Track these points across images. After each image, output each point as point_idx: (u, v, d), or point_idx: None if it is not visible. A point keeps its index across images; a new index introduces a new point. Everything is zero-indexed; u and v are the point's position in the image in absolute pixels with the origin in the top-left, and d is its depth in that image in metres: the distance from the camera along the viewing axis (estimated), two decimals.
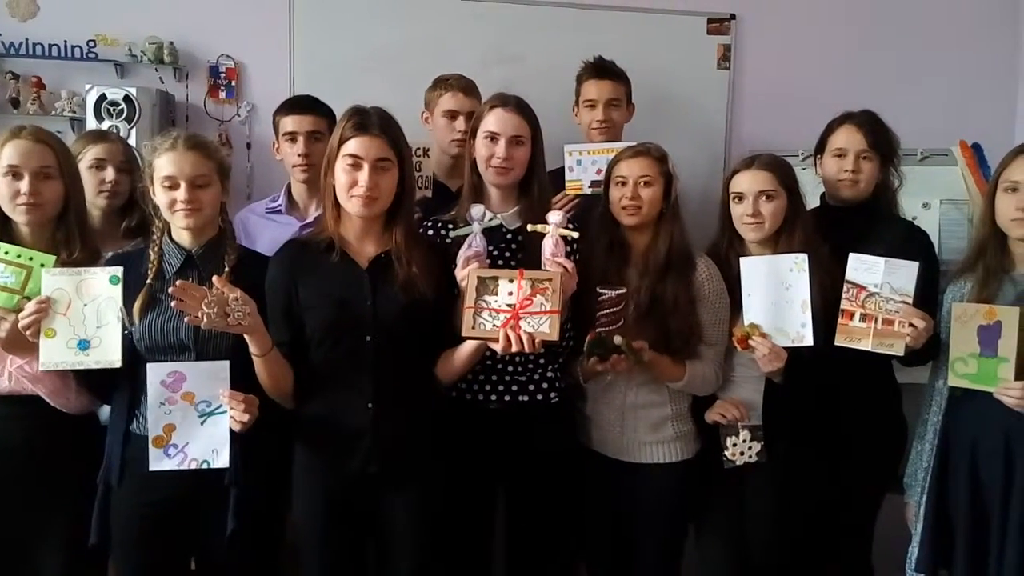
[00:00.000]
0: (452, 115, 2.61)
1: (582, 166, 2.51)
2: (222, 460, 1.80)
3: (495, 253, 2.06)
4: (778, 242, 2.15)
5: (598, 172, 2.42)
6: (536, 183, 2.12)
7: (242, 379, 1.81)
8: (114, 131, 2.67)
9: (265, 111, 2.91)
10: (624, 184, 2.12)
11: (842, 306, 2.03)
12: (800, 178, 2.23)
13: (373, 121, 1.89)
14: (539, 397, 2.08)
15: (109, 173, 2.32)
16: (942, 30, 3.33)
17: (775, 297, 2.05)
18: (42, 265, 1.85)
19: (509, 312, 1.87)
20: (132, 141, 2.70)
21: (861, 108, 2.39)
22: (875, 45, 3.30)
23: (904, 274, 2.00)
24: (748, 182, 2.16)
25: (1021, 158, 1.99)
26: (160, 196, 1.88)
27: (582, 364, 2.07)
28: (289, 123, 2.54)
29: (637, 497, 2.17)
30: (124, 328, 1.85)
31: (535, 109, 2.12)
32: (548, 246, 1.94)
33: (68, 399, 1.95)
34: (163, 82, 3.04)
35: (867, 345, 2.00)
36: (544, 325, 1.86)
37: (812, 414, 2.14)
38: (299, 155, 2.52)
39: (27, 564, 1.97)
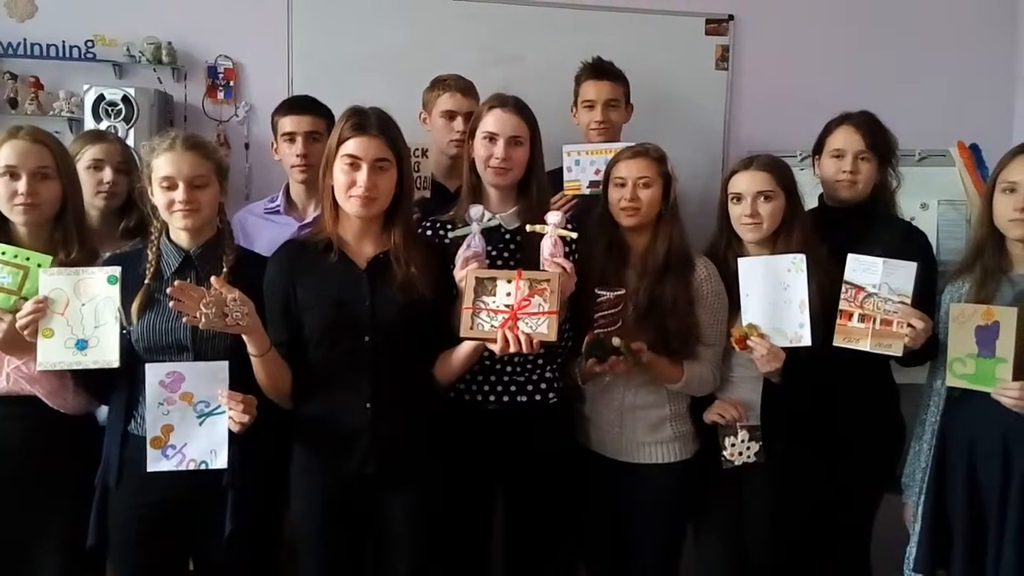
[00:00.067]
0: (450, 115, 2.61)
1: (580, 166, 2.51)
2: (220, 461, 1.80)
3: (494, 253, 2.06)
4: (776, 242, 2.15)
5: (596, 172, 2.42)
6: (535, 183, 2.13)
7: (240, 379, 1.81)
8: (112, 131, 2.67)
9: (263, 111, 2.91)
10: (623, 185, 2.12)
11: (840, 306, 2.04)
12: (798, 179, 2.23)
13: (372, 121, 1.89)
14: (537, 398, 2.08)
15: (107, 174, 2.32)
16: (940, 31, 3.33)
17: (773, 297, 2.05)
18: (39, 265, 1.85)
19: (507, 313, 1.87)
20: (130, 141, 2.70)
21: (859, 109, 2.39)
22: (873, 46, 3.30)
23: (902, 275, 2.00)
24: (746, 183, 2.16)
25: (1019, 159, 2.00)
26: (158, 196, 1.88)
27: (580, 365, 2.07)
28: (287, 123, 2.54)
29: (636, 497, 2.18)
30: (122, 328, 1.84)
31: (533, 109, 2.13)
32: (547, 246, 1.94)
33: (66, 399, 1.95)
34: (161, 82, 3.03)
35: (865, 346, 2.01)
36: (542, 326, 1.86)
37: (810, 414, 2.14)
38: (297, 155, 2.52)
39: (25, 565, 1.97)
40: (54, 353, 1.82)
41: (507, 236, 2.11)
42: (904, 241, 2.26)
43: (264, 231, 2.52)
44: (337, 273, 1.92)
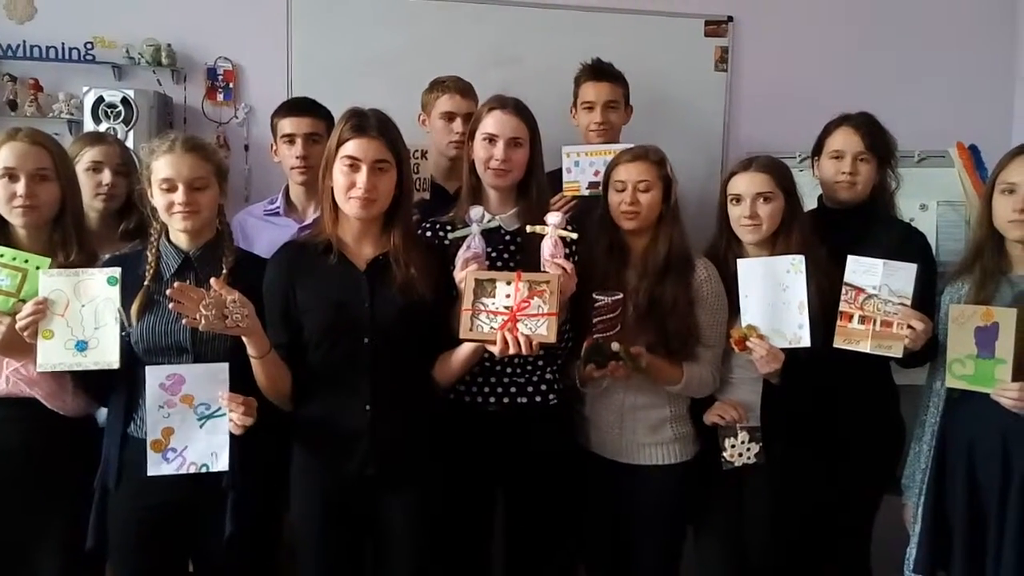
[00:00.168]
0: (449, 117, 2.62)
1: (580, 168, 2.51)
2: (221, 463, 1.80)
3: (493, 255, 2.06)
4: (775, 244, 2.15)
5: (596, 174, 2.42)
6: (534, 185, 2.13)
7: (240, 381, 1.81)
8: (111, 133, 2.67)
9: (263, 113, 2.91)
10: (623, 189, 2.12)
11: (841, 308, 2.04)
12: (797, 180, 2.24)
13: (371, 123, 1.89)
14: (537, 399, 2.08)
15: (106, 176, 2.31)
16: (938, 33, 3.33)
17: (772, 298, 2.05)
18: (38, 268, 1.85)
19: (506, 314, 1.87)
20: (130, 143, 2.70)
21: (858, 110, 2.39)
22: (872, 47, 3.31)
23: (902, 276, 2.00)
24: (746, 184, 2.16)
25: (1018, 160, 2.00)
26: (158, 198, 1.88)
27: (580, 370, 2.07)
28: (287, 125, 2.54)
29: (636, 499, 2.17)
30: (122, 329, 1.84)
31: (533, 111, 2.13)
32: (547, 247, 1.94)
33: (65, 401, 1.95)
34: (161, 84, 3.03)
35: (866, 347, 2.01)
36: (542, 327, 1.86)
37: (810, 415, 2.15)
38: (297, 157, 2.52)
39: (25, 567, 1.96)
40: (54, 354, 1.82)
41: (507, 237, 2.11)
42: (903, 242, 2.26)
43: (264, 233, 2.52)
44: (336, 275, 1.92)
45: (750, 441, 2.11)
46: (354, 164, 1.87)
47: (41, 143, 1.94)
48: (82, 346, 1.82)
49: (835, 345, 2.03)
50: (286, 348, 1.89)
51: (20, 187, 1.89)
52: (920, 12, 3.33)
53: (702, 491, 2.21)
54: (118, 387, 1.91)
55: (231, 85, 3.09)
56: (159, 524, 1.88)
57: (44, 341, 1.82)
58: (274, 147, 2.62)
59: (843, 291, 2.03)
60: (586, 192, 2.48)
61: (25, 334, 1.81)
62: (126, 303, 1.85)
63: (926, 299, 2.07)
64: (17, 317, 1.81)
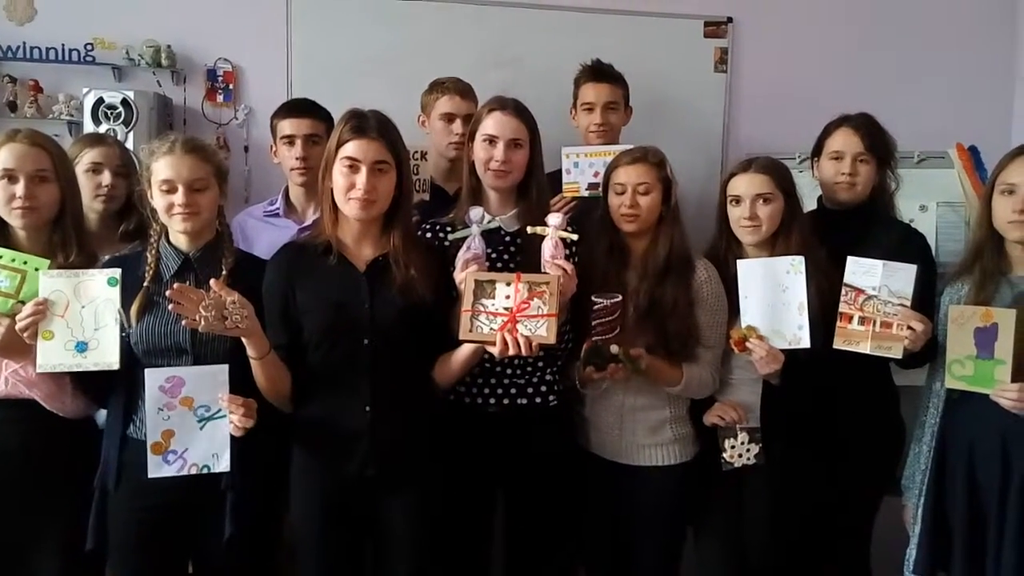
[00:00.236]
0: (449, 118, 2.62)
1: (579, 168, 2.51)
2: (222, 464, 1.80)
3: (493, 256, 2.06)
4: (775, 245, 2.15)
5: (595, 175, 2.42)
6: (535, 186, 2.13)
7: (240, 382, 1.81)
8: (111, 135, 2.68)
9: (263, 114, 2.91)
10: (622, 192, 2.12)
11: (840, 309, 2.04)
12: (797, 181, 2.24)
13: (371, 124, 1.89)
14: (537, 400, 2.08)
15: (106, 177, 2.31)
16: (938, 34, 3.34)
17: (772, 299, 2.05)
18: (36, 269, 1.85)
19: (506, 315, 1.87)
20: (130, 145, 2.70)
21: (858, 111, 2.39)
22: (871, 48, 3.31)
23: (902, 277, 2.00)
24: (745, 185, 2.16)
25: (1017, 161, 2.00)
26: (157, 200, 1.88)
27: (579, 372, 2.07)
28: (287, 126, 2.54)
29: (636, 500, 2.17)
30: (122, 330, 1.84)
31: (532, 112, 2.13)
32: (548, 248, 1.94)
33: (64, 403, 1.95)
34: (160, 85, 3.03)
35: (866, 348, 2.01)
36: (541, 328, 1.86)
37: (809, 416, 2.15)
38: (297, 158, 2.52)
39: (24, 568, 1.96)
40: (54, 355, 1.82)
41: (507, 238, 2.11)
42: (903, 243, 2.27)
43: (263, 234, 2.52)
44: (336, 276, 1.92)
45: (750, 442, 2.11)
46: (354, 165, 1.87)
47: (40, 144, 1.94)
48: (82, 347, 1.82)
49: (835, 346, 2.03)
50: (286, 349, 1.89)
51: (19, 188, 1.89)
52: (919, 13, 3.33)
53: (702, 492, 2.21)
54: (117, 389, 1.91)
55: (231, 86, 3.10)
56: (158, 525, 1.88)
57: (44, 342, 1.82)
58: (274, 148, 2.62)
59: (843, 292, 2.03)
60: (586, 193, 2.48)
61: (25, 335, 1.81)
62: (126, 304, 1.85)
63: (926, 300, 2.07)
64: (17, 318, 1.81)
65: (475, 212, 2.02)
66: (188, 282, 1.84)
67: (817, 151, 2.44)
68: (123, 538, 1.89)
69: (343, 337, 1.90)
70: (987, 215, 2.04)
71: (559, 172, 2.51)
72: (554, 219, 1.96)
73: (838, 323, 2.03)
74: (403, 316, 1.90)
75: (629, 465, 2.16)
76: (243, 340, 1.78)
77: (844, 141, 2.34)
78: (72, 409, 1.96)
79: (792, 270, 2.04)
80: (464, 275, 1.91)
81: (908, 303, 1.99)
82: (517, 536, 2.16)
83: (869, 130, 2.34)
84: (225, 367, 1.79)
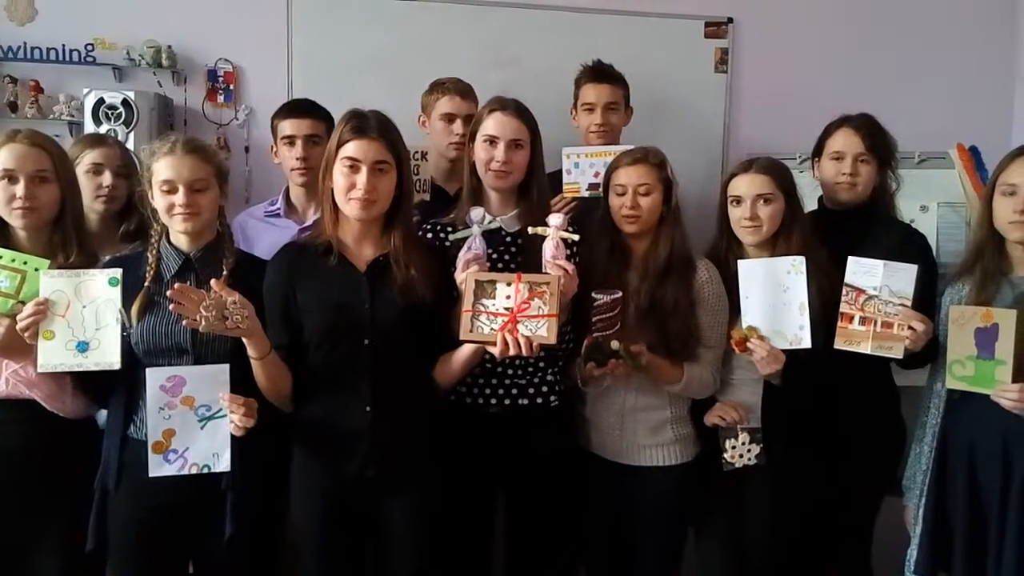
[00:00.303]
0: (449, 118, 2.62)
1: (580, 169, 2.51)
2: (223, 464, 1.80)
3: (494, 256, 2.06)
4: (776, 245, 2.15)
5: (596, 175, 2.42)
6: (535, 186, 2.13)
7: (241, 383, 1.80)
8: (112, 135, 2.68)
9: (263, 115, 2.91)
10: (623, 193, 2.12)
11: (841, 309, 2.03)
12: (798, 181, 2.24)
13: (371, 124, 1.89)
14: (539, 400, 2.08)
15: (107, 177, 2.31)
16: (938, 34, 3.34)
17: (773, 300, 2.05)
18: (36, 269, 1.85)
19: (507, 315, 1.87)
20: (130, 145, 2.70)
21: (858, 111, 2.39)
22: (872, 48, 3.31)
23: (903, 277, 2.00)
24: (746, 185, 2.16)
25: (1018, 161, 2.00)
26: (158, 200, 1.88)
27: (580, 369, 2.07)
28: (287, 127, 2.54)
29: (636, 500, 2.17)
30: (123, 330, 1.84)
31: (533, 112, 2.13)
32: (549, 248, 1.94)
33: (64, 403, 1.94)
34: (161, 86, 3.03)
35: (866, 348, 2.01)
36: (542, 329, 1.85)
37: (810, 416, 2.14)
38: (297, 159, 2.52)
39: (24, 568, 1.96)
40: (55, 355, 1.82)
41: (508, 239, 2.11)
42: (904, 243, 2.27)
43: (264, 234, 2.52)
44: (337, 276, 1.92)
45: (751, 442, 2.11)
46: (354, 165, 1.87)
47: (41, 145, 1.94)
48: (83, 347, 1.82)
49: (836, 346, 2.03)
50: (286, 349, 1.89)
51: (20, 189, 1.89)
52: (920, 13, 3.33)
53: (703, 492, 2.21)
54: (118, 389, 1.91)
55: (231, 87, 3.10)
56: (159, 525, 1.88)
57: (45, 342, 1.82)
58: (274, 149, 2.62)
59: (844, 292, 2.03)
60: (586, 193, 2.48)
61: (26, 335, 1.81)
62: (126, 304, 1.85)
63: (927, 300, 2.07)
64: (18, 318, 1.80)
65: (476, 212, 2.02)
66: (189, 282, 1.84)
67: (818, 151, 2.44)
68: (123, 538, 1.89)
69: (344, 337, 1.90)
70: (988, 215, 2.04)
71: (559, 172, 2.51)
72: (555, 220, 1.96)
73: (839, 323, 2.03)
74: (404, 316, 1.90)
75: (630, 465, 2.16)
76: (244, 340, 1.78)
77: (845, 141, 2.35)
78: (72, 409, 1.96)
79: (793, 270, 2.04)
80: (465, 275, 1.91)
81: (909, 303, 1.99)
82: (518, 536, 2.16)
83: (870, 130, 2.34)
84: (226, 367, 1.79)
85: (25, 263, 1.85)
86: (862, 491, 2.34)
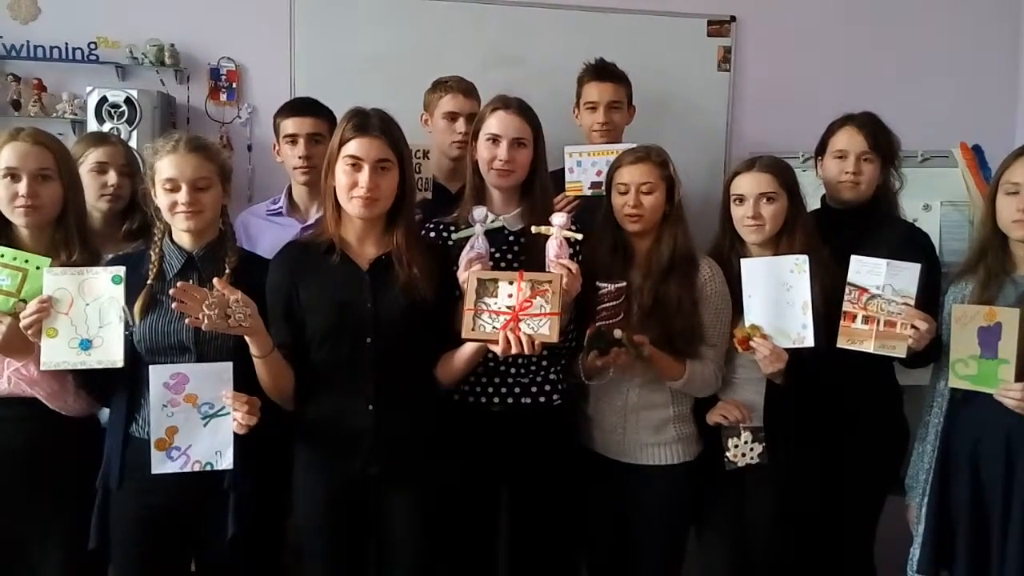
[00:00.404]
0: (452, 117, 2.62)
1: (582, 167, 2.51)
2: (226, 462, 1.80)
3: (497, 255, 2.06)
4: (779, 244, 2.15)
5: (598, 174, 2.42)
6: (538, 185, 2.13)
7: (243, 381, 1.81)
8: (115, 133, 2.68)
9: (266, 113, 2.91)
10: (626, 192, 2.12)
11: (844, 308, 2.03)
12: (801, 180, 2.23)
13: (373, 122, 1.89)
14: (541, 399, 2.08)
15: (111, 177, 2.31)
16: (942, 32, 3.33)
17: (776, 298, 2.05)
18: (38, 268, 1.85)
19: (509, 314, 1.87)
20: (133, 143, 2.70)
21: (862, 110, 2.39)
22: (875, 46, 3.30)
23: (906, 276, 2.00)
24: (749, 184, 2.16)
25: (1022, 160, 1.99)
26: (161, 198, 1.88)
27: (583, 359, 2.07)
28: (290, 125, 2.54)
29: (639, 499, 2.17)
30: (126, 328, 1.84)
31: (535, 111, 2.13)
32: (552, 248, 1.94)
33: (66, 402, 1.94)
34: (164, 84, 3.04)
35: (869, 347, 2.00)
36: (544, 327, 1.85)
37: (813, 415, 2.14)
38: (300, 157, 2.52)
39: (26, 566, 1.96)
40: (58, 353, 1.82)
41: (510, 238, 2.11)
42: (907, 242, 2.26)
43: (266, 233, 2.52)
44: (339, 274, 1.92)
45: (753, 441, 2.10)
46: (356, 164, 1.87)
47: (43, 143, 1.94)
48: (86, 344, 1.82)
49: (839, 345, 2.03)
50: (289, 348, 1.89)
51: (22, 187, 1.89)
52: (923, 11, 3.32)
53: (705, 491, 2.21)
54: (120, 387, 1.91)
55: (234, 85, 3.10)
56: (161, 524, 1.88)
57: (48, 339, 1.82)
58: (276, 147, 2.62)
59: (846, 291, 2.03)
60: (588, 192, 2.48)
61: (29, 332, 1.81)
62: (129, 303, 1.85)
63: (930, 299, 2.07)
64: (21, 315, 1.81)
65: (478, 212, 2.02)
66: (191, 281, 1.84)
67: (821, 150, 2.44)
68: (125, 537, 1.89)
69: (346, 336, 1.90)
70: (991, 214, 2.04)
71: (562, 171, 2.51)
72: (559, 219, 1.96)
73: (842, 322, 2.03)
74: (406, 315, 1.90)
75: (632, 464, 2.16)
76: (246, 339, 1.78)
77: (848, 140, 2.34)
78: (75, 408, 1.96)
79: (796, 269, 2.04)
80: (467, 274, 1.91)
81: (912, 302, 1.99)
82: (520, 535, 2.16)
83: (873, 129, 2.34)
84: (229, 364, 1.79)
85: (26, 261, 1.85)
86: (865, 490, 2.34)
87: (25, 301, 1.82)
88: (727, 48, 3.27)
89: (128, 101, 2.82)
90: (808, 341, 2.02)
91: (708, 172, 3.06)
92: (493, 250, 2.03)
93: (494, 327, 1.87)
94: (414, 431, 1.93)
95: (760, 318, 2.06)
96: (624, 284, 2.00)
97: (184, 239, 1.92)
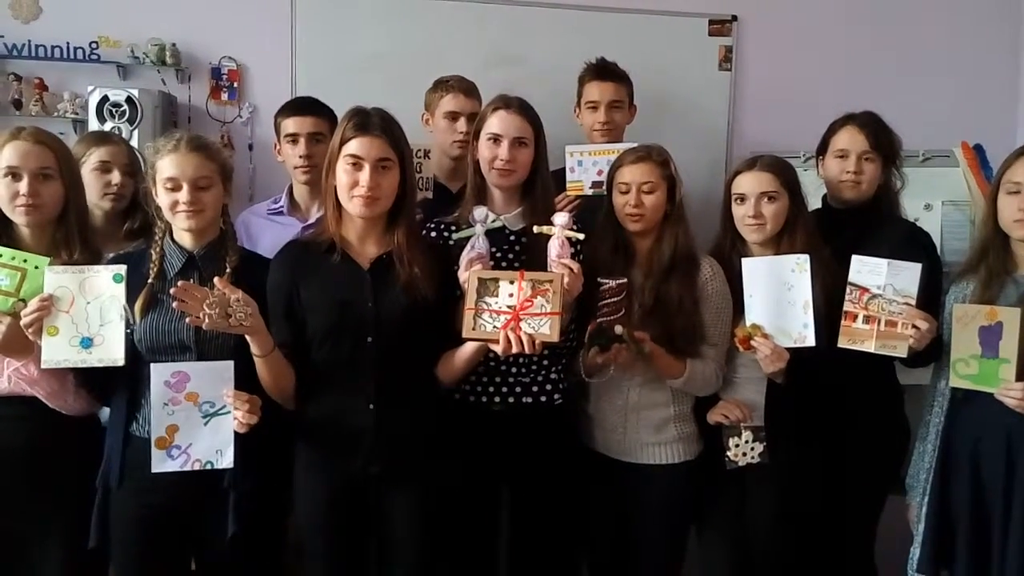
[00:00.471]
0: (453, 116, 2.62)
1: (583, 167, 2.51)
2: (226, 460, 1.80)
3: (498, 255, 2.06)
4: (780, 243, 2.15)
5: (599, 173, 2.43)
6: (539, 184, 2.13)
7: (244, 380, 1.81)
8: (116, 132, 2.68)
9: (267, 113, 2.91)
10: (627, 191, 2.12)
11: (845, 308, 2.03)
12: (802, 179, 2.23)
13: (374, 122, 1.89)
14: (543, 399, 2.08)
15: (115, 176, 2.31)
16: (944, 31, 3.33)
17: (777, 298, 2.05)
18: (36, 267, 1.85)
19: (509, 313, 1.87)
20: (134, 142, 2.70)
21: (863, 109, 2.39)
22: (876, 46, 3.30)
23: (907, 276, 2.00)
24: (750, 183, 2.16)
25: (1023, 159, 1.99)
26: (162, 197, 1.88)
27: (584, 357, 2.07)
28: (290, 125, 2.54)
29: (640, 498, 2.17)
30: (127, 326, 1.84)
31: (537, 110, 2.13)
32: (554, 247, 1.94)
33: (66, 401, 1.94)
34: (165, 84, 3.04)
35: (870, 347, 2.00)
36: (544, 326, 1.86)
37: (814, 415, 2.14)
38: (301, 156, 2.52)
39: (27, 565, 1.96)
40: (59, 351, 1.82)
41: (511, 237, 2.11)
42: (908, 242, 2.26)
43: (267, 232, 2.53)
44: (340, 274, 1.92)
45: (754, 440, 2.10)
46: (357, 163, 1.87)
47: (44, 142, 1.94)
48: (87, 343, 1.82)
49: (839, 345, 2.03)
50: (290, 347, 1.89)
51: (23, 186, 1.89)
52: (924, 11, 3.32)
53: (706, 490, 2.21)
54: (120, 386, 1.91)
55: (235, 84, 3.10)
56: (161, 523, 1.88)
57: (49, 338, 1.82)
58: (277, 146, 2.62)
59: (847, 291, 2.03)
60: (589, 191, 2.48)
61: (30, 331, 1.81)
62: (130, 302, 1.85)
63: (931, 299, 2.07)
64: (23, 313, 1.81)
65: (479, 212, 2.02)
66: (192, 280, 1.84)
67: (822, 149, 2.44)
68: (126, 536, 1.89)
69: (347, 335, 1.90)
70: (992, 214, 2.04)
71: (563, 171, 2.51)
72: (560, 219, 1.96)
73: (842, 322, 2.03)
74: (407, 314, 1.90)
75: (633, 463, 2.16)
76: (247, 338, 1.78)
77: (849, 139, 2.34)
78: (75, 407, 1.96)
79: (797, 268, 2.04)
80: (468, 273, 1.91)
81: (913, 302, 1.99)
82: (522, 534, 2.16)
83: (874, 128, 2.34)
84: (230, 363, 1.80)
85: (25, 261, 1.85)
86: (865, 489, 2.34)
87: (24, 301, 1.82)
88: (728, 47, 3.27)
89: (129, 100, 2.82)
90: (809, 341, 2.01)
91: (709, 171, 3.06)
92: (494, 250, 2.03)
93: (495, 326, 1.87)
94: (415, 430, 1.94)
95: (761, 317, 2.06)
96: (625, 280, 2.01)
97: (185, 238, 1.92)
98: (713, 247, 2.27)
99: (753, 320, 2.06)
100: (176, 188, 1.86)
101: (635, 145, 2.24)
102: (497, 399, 2.07)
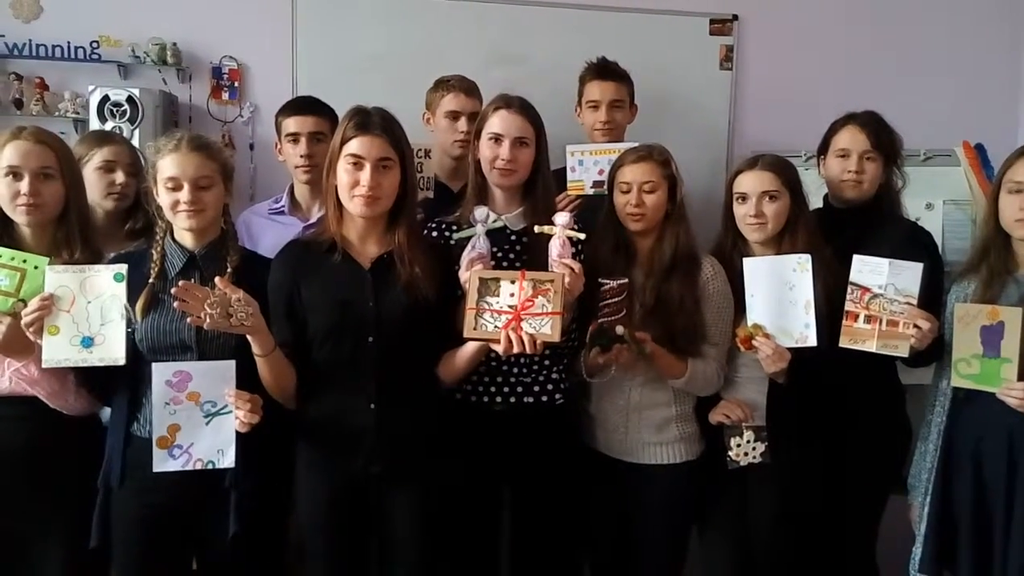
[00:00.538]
0: (454, 116, 2.61)
1: (584, 166, 2.51)
2: (228, 460, 1.80)
3: (499, 255, 2.06)
4: (781, 243, 2.15)
5: (600, 172, 2.43)
6: (541, 184, 2.13)
7: (245, 380, 1.81)
8: (117, 132, 2.68)
9: (268, 112, 2.91)
10: (628, 191, 2.12)
11: (846, 307, 2.03)
12: (803, 179, 2.23)
13: (375, 121, 1.89)
14: (544, 399, 2.08)
15: (119, 176, 2.30)
16: (945, 30, 3.32)
17: (778, 297, 2.05)
18: (35, 267, 1.84)
19: (511, 313, 1.87)
20: (135, 142, 2.70)
21: (864, 109, 2.39)
22: (878, 45, 3.30)
23: (908, 275, 1.99)
24: (751, 183, 2.16)
25: None
26: (163, 197, 1.88)
27: (585, 357, 2.07)
28: (291, 124, 2.54)
29: (641, 498, 2.17)
30: (128, 326, 1.84)
31: (537, 110, 2.12)
32: (555, 247, 1.94)
33: (67, 401, 1.94)
34: (166, 83, 3.04)
35: (872, 346, 2.00)
36: (546, 326, 1.85)
37: (816, 415, 2.14)
38: (301, 156, 2.52)
39: (28, 564, 1.96)
40: (60, 350, 1.82)
41: (512, 237, 2.11)
42: (909, 241, 2.26)
43: (268, 231, 2.52)
44: (341, 273, 1.92)
45: (755, 440, 2.10)
46: (358, 162, 1.87)
47: (45, 142, 1.94)
48: (88, 342, 1.82)
49: (841, 344, 2.03)
50: (291, 346, 1.89)
51: (24, 185, 1.89)
52: (925, 10, 3.31)
53: (708, 490, 2.21)
54: (121, 386, 1.91)
55: (236, 84, 3.10)
56: (162, 523, 1.88)
57: (50, 337, 1.82)
58: (278, 146, 2.62)
59: (849, 290, 2.03)
60: (590, 191, 2.48)
61: (31, 330, 1.81)
62: (131, 301, 1.85)
63: (932, 298, 2.07)
64: (23, 313, 1.81)
65: (480, 211, 2.02)
66: (193, 279, 1.84)
67: (823, 149, 2.44)
68: (127, 535, 1.89)
69: (348, 335, 1.90)
70: (994, 213, 2.04)
71: (563, 170, 2.51)
72: (562, 218, 1.96)
73: (844, 321, 2.03)
74: (408, 314, 1.90)
75: (634, 463, 2.16)
76: (248, 337, 1.78)
77: (850, 139, 2.34)
78: (75, 407, 1.96)
79: (799, 268, 2.04)
80: (469, 273, 1.91)
81: (914, 301, 1.99)
82: (523, 534, 2.16)
83: (875, 128, 2.33)
84: (232, 363, 1.80)
85: (24, 261, 1.85)
86: (867, 489, 2.34)
87: (24, 301, 1.82)
88: (729, 47, 3.27)
89: (130, 100, 2.82)
90: (811, 340, 2.01)
91: (710, 171, 3.06)
92: (495, 249, 2.03)
93: (496, 326, 1.87)
94: (416, 430, 1.93)
95: (762, 317, 2.06)
96: (626, 280, 2.01)
97: (186, 238, 1.92)
98: (714, 247, 2.27)
99: (754, 320, 2.06)
100: (177, 188, 1.86)
101: (636, 144, 2.24)
102: (498, 399, 2.07)
